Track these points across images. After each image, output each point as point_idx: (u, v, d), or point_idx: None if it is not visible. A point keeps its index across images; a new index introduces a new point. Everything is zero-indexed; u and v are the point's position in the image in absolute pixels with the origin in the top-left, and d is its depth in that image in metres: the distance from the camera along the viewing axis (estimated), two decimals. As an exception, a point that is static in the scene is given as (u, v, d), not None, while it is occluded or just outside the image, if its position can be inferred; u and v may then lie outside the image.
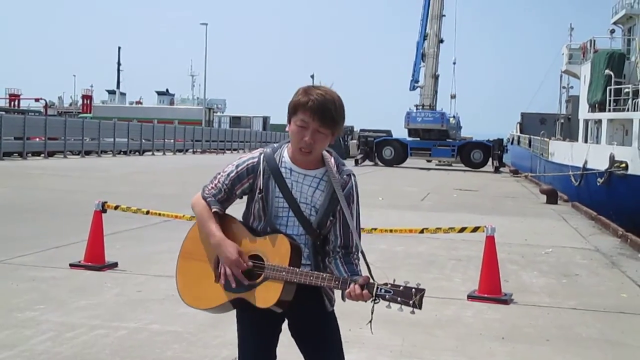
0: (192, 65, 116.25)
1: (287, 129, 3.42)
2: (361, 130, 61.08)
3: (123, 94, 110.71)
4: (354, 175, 3.51)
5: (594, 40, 34.30)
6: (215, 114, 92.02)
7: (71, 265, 9.10)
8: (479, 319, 7.51)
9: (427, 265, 9.98)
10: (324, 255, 3.44)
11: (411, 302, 3.14)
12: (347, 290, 3.20)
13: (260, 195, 3.41)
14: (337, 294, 3.46)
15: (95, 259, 9.12)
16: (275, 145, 3.53)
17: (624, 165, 24.00)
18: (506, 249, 11.15)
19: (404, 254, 10.92)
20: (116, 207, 9.78)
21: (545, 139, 39.48)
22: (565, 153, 31.99)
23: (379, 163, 47.14)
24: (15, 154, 36.19)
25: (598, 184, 24.97)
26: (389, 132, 56.67)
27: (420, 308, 3.15)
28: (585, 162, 27.11)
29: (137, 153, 49.26)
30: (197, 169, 33.30)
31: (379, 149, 47.70)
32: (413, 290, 3.15)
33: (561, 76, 50.29)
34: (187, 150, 56.98)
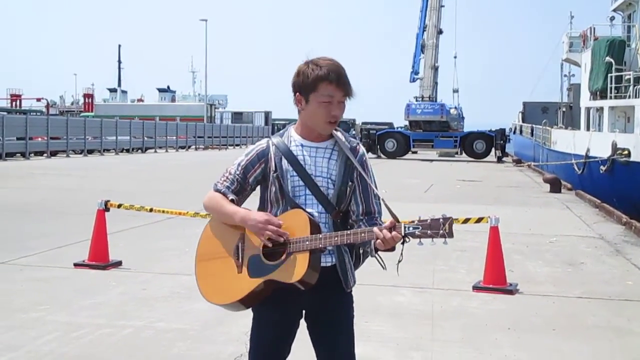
0: (193, 61, 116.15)
1: (300, 107, 3.36)
2: (363, 123, 61.15)
3: (124, 92, 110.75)
4: (360, 144, 3.50)
5: (594, 28, 34.19)
6: (216, 109, 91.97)
7: (75, 264, 9.10)
8: (485, 309, 7.50)
9: (431, 257, 9.95)
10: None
11: (441, 231, 3.09)
12: (377, 237, 3.14)
13: (275, 175, 3.36)
14: (358, 274, 3.44)
15: (99, 258, 9.12)
16: (280, 132, 3.50)
17: (626, 152, 23.94)
18: (510, 239, 11.12)
19: (407, 246, 10.88)
20: (119, 206, 9.77)
21: (548, 128, 39.41)
22: (568, 141, 31.93)
23: (382, 155, 47.10)
24: (17, 154, 36.27)
25: (601, 171, 24.92)
26: (390, 125, 56.78)
27: (452, 236, 3.09)
28: (588, 150, 27.05)
29: (139, 151, 49.33)
30: (199, 165, 33.33)
31: (381, 141, 47.65)
32: (441, 220, 3.10)
33: (562, 65, 50.17)
34: (189, 147, 57.01)
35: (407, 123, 50.24)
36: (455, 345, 6.31)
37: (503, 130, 48.23)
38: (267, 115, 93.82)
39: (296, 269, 3.21)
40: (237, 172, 3.43)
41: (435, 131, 47.56)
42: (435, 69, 50.58)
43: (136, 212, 10.44)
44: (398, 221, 3.16)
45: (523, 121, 55.03)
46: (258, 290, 3.29)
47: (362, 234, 3.20)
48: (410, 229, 3.12)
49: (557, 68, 54.33)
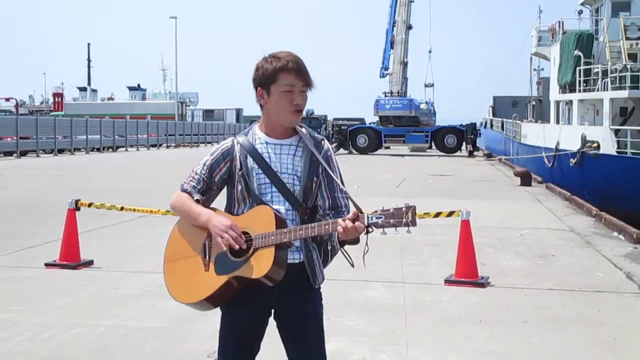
0: (163, 59, 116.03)
1: (263, 101, 3.37)
2: (334, 119, 61.15)
3: (94, 91, 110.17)
4: (326, 139, 3.51)
5: (563, 22, 34.39)
6: (187, 107, 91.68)
7: (46, 264, 9.02)
8: (457, 303, 7.54)
9: (403, 251, 10.00)
10: None
11: (404, 220, 3.08)
12: (340, 227, 3.13)
13: (240, 173, 3.37)
14: (330, 270, 3.46)
15: (71, 258, 9.06)
16: (244, 130, 3.51)
17: (595, 145, 24.15)
18: (482, 233, 11.20)
19: (379, 240, 10.91)
20: (90, 205, 9.71)
21: (518, 122, 39.65)
22: (538, 135, 32.16)
23: (353, 151, 47.17)
24: (-14, 155, 35.86)
25: (571, 164, 25.13)
26: (362, 120, 56.82)
27: (414, 225, 3.09)
28: (558, 144, 27.26)
29: (110, 149, 48.96)
30: (171, 163, 33.18)
31: (353, 137, 47.70)
32: (403, 209, 3.10)
33: (531, 59, 50.56)
34: (160, 145, 56.73)
35: (377, 119, 50.35)
36: (428, 338, 6.34)
37: (474, 124, 48.51)
38: (238, 112, 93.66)
39: (262, 265, 3.22)
40: (203, 172, 3.44)
41: (406, 126, 47.71)
42: (405, 64, 50.74)
43: (107, 210, 10.39)
44: (361, 212, 3.17)
45: (493, 115, 55.33)
46: (225, 287, 3.29)
47: (326, 226, 3.21)
48: (373, 218, 3.13)
49: (527, 62, 54.75)
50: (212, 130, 69.94)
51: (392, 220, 3.10)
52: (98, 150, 46.96)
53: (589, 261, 9.97)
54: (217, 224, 3.28)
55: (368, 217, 3.13)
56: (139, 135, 53.72)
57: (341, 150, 47.20)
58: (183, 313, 6.67)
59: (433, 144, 47.83)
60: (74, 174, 26.14)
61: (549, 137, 29.46)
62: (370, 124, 55.84)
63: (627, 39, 28.33)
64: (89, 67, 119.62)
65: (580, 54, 28.71)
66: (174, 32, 72.47)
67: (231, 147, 3.43)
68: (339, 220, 3.17)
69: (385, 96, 49.66)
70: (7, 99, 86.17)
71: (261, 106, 3.41)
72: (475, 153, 45.63)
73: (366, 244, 3.24)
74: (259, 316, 3.44)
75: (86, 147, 45.24)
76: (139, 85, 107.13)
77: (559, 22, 34.61)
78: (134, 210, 10.38)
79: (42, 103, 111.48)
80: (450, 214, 8.65)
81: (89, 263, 9.16)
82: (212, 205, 3.48)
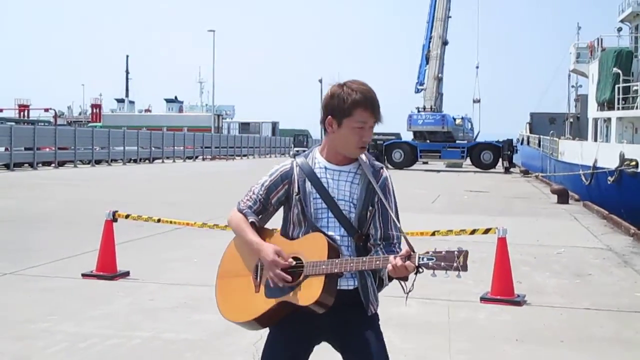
0: (201, 72, 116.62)
1: (331, 129, 3.34)
2: (370, 133, 60.94)
3: (132, 102, 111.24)
4: (385, 167, 3.49)
5: (602, 39, 34.20)
6: (224, 120, 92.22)
7: (83, 275, 9.11)
8: (492, 321, 7.49)
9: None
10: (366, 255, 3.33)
11: (455, 264, 3.07)
12: (390, 265, 3.12)
13: (297, 197, 3.37)
14: (381, 298, 3.44)
15: (107, 269, 9.14)
16: (305, 152, 3.51)
17: (634, 163, 23.91)
18: (518, 250, 11.11)
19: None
20: (127, 216, 9.79)
21: (555, 139, 39.37)
22: (575, 152, 31.90)
23: (389, 166, 47.05)
24: (25, 165, 36.36)
25: (609, 182, 24.88)
26: (398, 135, 56.58)
27: (465, 270, 3.08)
28: (595, 161, 27.01)
29: (147, 161, 49.41)
30: (207, 176, 33.38)
31: (389, 151, 47.61)
32: (455, 252, 3.09)
33: (569, 75, 50.28)
34: (196, 157, 57.09)
35: (411, 134, 50.26)
36: (464, 356, 6.30)
37: (510, 140, 48.22)
38: (274, 125, 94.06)
39: (311, 292, 3.22)
40: (261, 193, 3.46)
41: (441, 142, 47.52)
42: (439, 79, 50.59)
43: (144, 222, 10.45)
44: (413, 251, 3.15)
45: (530, 132, 55.01)
46: (273, 311, 3.30)
47: (377, 262, 3.20)
48: (425, 259, 3.11)
49: (565, 79, 54.41)
50: (248, 143, 70.32)
51: (443, 263, 3.10)
52: (135, 161, 47.38)
53: (627, 281, 9.84)
54: (264, 255, 3.30)
55: (419, 258, 3.12)
56: (175, 147, 54.13)
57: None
58: (218, 326, 6.71)
59: (469, 160, 47.60)
60: (112, 185, 26.40)
61: (586, 155, 29.21)
62: (403, 139, 55.71)
63: (667, 56, 28.07)
64: (127, 78, 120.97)
65: (619, 71, 28.49)
66: (212, 45, 72.66)
67: (290, 170, 3.43)
68: (391, 257, 3.15)
69: (419, 111, 49.53)
70: (46, 110, 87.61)
71: (325, 131, 3.40)
72: (512, 170, 45.31)
73: (412, 283, 3.21)
74: (306, 340, 3.42)
75: (123, 158, 45.71)
76: (176, 98, 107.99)
77: (598, 39, 34.42)
78: (171, 222, 10.45)
79: (80, 114, 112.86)
80: (487, 231, 8.59)
81: (126, 274, 9.23)
82: (268, 225, 3.52)
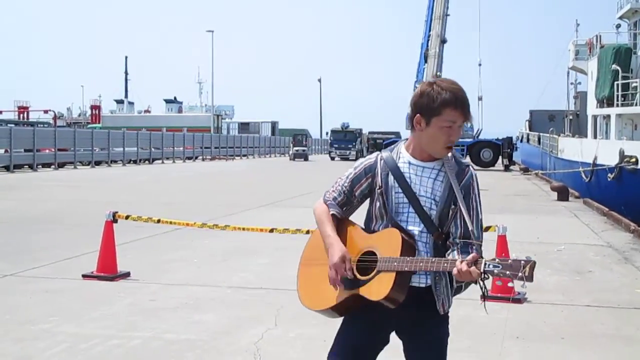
0: (200, 72, 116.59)
1: (419, 127, 3.36)
2: (370, 132, 61.10)
3: (131, 103, 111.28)
4: (472, 166, 3.52)
5: (600, 36, 34.20)
6: (223, 120, 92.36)
7: (84, 276, 9.11)
8: (493, 318, 7.47)
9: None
10: (445, 253, 3.35)
11: (519, 274, 3.06)
12: (456, 269, 3.14)
13: (379, 191, 3.40)
14: (455, 300, 3.46)
15: (108, 269, 9.14)
16: (390, 147, 3.55)
17: (634, 159, 23.93)
18: (518, 248, 11.10)
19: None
20: (127, 217, 9.79)
21: (555, 136, 39.39)
22: (575, 149, 31.91)
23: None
24: (25, 166, 36.38)
25: (609, 179, 24.90)
26: (398, 134, 56.69)
27: (531, 280, 3.07)
28: (595, 158, 27.02)
29: (147, 162, 49.41)
30: (206, 176, 33.38)
31: (388, 150, 47.60)
32: (522, 262, 3.08)
33: (568, 72, 50.19)
34: (196, 158, 57.11)
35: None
36: (464, 353, 6.29)
37: (510, 138, 48.22)
38: (274, 125, 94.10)
39: (382, 288, 3.26)
40: (345, 184, 3.52)
41: None
42: (438, 77, 50.61)
43: (144, 223, 10.45)
44: (481, 256, 3.18)
45: (530, 129, 55.01)
46: (346, 302, 3.37)
47: (445, 264, 3.21)
48: (490, 266, 3.12)
49: (564, 76, 54.32)
50: (248, 143, 70.30)
51: (508, 272, 3.09)
52: (135, 162, 47.38)
53: (628, 277, 9.85)
54: (331, 255, 3.36)
55: (485, 264, 3.13)
56: (175, 148, 54.14)
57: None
58: (219, 326, 6.73)
59: (469, 158, 47.62)
60: (111, 186, 26.41)
61: (586, 152, 29.22)
62: (403, 138, 55.75)
63: (666, 52, 28.09)
64: (126, 79, 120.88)
65: (618, 68, 28.50)
66: (211, 45, 72.73)
67: (374, 163, 3.47)
68: (458, 261, 3.16)
69: None
70: (46, 111, 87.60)
71: (413, 128, 3.41)
72: (512, 167, 45.33)
73: (483, 288, 3.25)
74: (379, 332, 3.46)
75: (123, 159, 45.71)
76: (175, 98, 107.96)
77: (597, 36, 34.43)
78: (170, 222, 10.46)
79: (79, 115, 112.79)
80: (487, 229, 8.58)
81: (126, 275, 9.23)
82: (351, 218, 3.57)
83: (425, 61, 50.97)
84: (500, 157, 45.91)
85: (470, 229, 3.33)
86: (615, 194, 23.83)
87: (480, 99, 53.56)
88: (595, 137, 32.03)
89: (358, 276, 3.33)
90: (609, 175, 24.91)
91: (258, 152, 72.17)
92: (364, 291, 3.30)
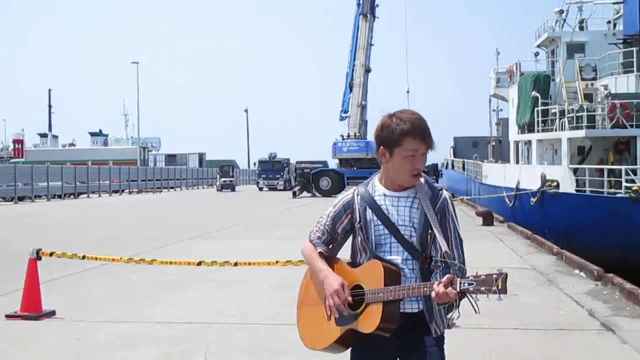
0: (125, 104, 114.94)
1: (384, 159, 3.49)
2: (297, 162, 61.21)
3: (55, 137, 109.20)
4: (446, 190, 3.60)
5: (520, 64, 35.01)
6: (150, 152, 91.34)
7: (7, 316, 8.88)
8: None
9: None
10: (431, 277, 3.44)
11: (493, 288, 3.13)
12: (434, 292, 3.23)
13: (359, 225, 3.51)
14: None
15: (32, 308, 8.92)
16: (365, 181, 3.66)
17: (555, 184, 24.50)
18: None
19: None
20: (51, 254, 9.59)
21: (478, 162, 40.06)
22: (498, 175, 32.53)
23: (317, 194, 47.23)
24: (-56, 204, 35.39)
25: (531, 203, 25.41)
26: (324, 163, 56.91)
27: (504, 292, 3.14)
28: (518, 183, 27.58)
29: (72, 196, 48.50)
30: (134, 210, 32.97)
31: (316, 179, 47.85)
32: (494, 276, 3.15)
33: (490, 100, 51.36)
34: (123, 191, 56.34)
35: (336, 161, 50.61)
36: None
37: (435, 165, 48.97)
38: (201, 156, 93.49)
39: (372, 320, 3.36)
40: (327, 223, 3.63)
41: (367, 168, 47.98)
42: (363, 107, 51.13)
43: (69, 260, 10.26)
44: (456, 277, 3.27)
45: (454, 156, 55.82)
46: (343, 338, 3.45)
47: (424, 288, 3.31)
48: (465, 284, 3.21)
49: (486, 103, 55.50)
50: (175, 175, 69.70)
51: (482, 288, 3.18)
52: (59, 197, 46.48)
53: (552, 299, 10.05)
54: (327, 286, 3.45)
55: (461, 283, 3.21)
56: (101, 182, 53.34)
57: (304, 193, 47.26)
58: (148, 362, 6.62)
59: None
60: (35, 222, 25.85)
61: (509, 177, 29.81)
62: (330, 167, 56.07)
63: (582, 79, 28.95)
64: (49, 113, 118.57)
65: (538, 94, 29.19)
66: (136, 77, 72.05)
67: (352, 199, 3.59)
68: (435, 284, 3.25)
69: (343, 139, 49.91)
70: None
71: (381, 162, 3.53)
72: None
73: (474, 305, 3.31)
74: (378, 357, 3.52)
75: (47, 194, 44.78)
76: (100, 131, 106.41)
77: (517, 63, 35.23)
78: (96, 258, 10.30)
79: (1, 150, 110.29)
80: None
81: (51, 313, 9.03)
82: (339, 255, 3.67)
83: (351, 90, 51.47)
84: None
85: (448, 251, 3.46)
86: (538, 218, 24.34)
87: None
88: (517, 162, 32.68)
89: (349, 311, 3.42)
90: (532, 199, 25.44)
91: (185, 183, 71.60)
92: (357, 325, 3.40)
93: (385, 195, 3.53)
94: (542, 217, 24.07)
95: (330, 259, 3.60)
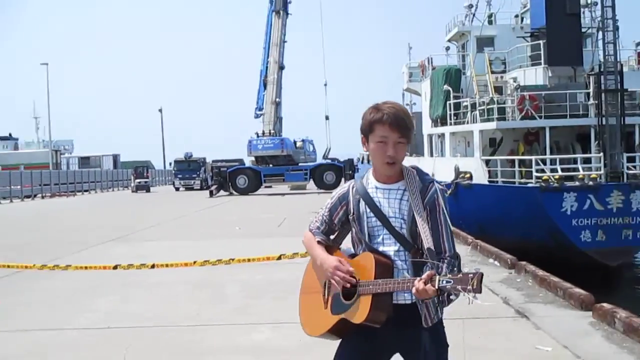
0: (35, 107, 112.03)
1: (364, 149, 3.65)
2: (213, 161, 60.84)
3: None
4: (436, 182, 3.66)
5: (431, 58, 35.57)
6: (62, 155, 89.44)
7: None
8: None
9: (292, 291, 10.00)
10: (423, 268, 3.46)
11: (468, 287, 3.16)
12: (414, 288, 3.28)
13: (352, 217, 3.62)
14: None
15: (-58, 320, 8.65)
16: (361, 174, 3.75)
17: (468, 175, 25.00)
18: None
19: (265, 282, 10.90)
20: (-39, 263, 9.32)
21: (393, 156, 40.48)
22: (413, 168, 32.93)
23: (234, 192, 47.04)
24: None
25: (446, 195, 25.86)
26: (241, 161, 56.74)
27: (480, 292, 3.16)
28: (433, 175, 27.96)
29: (-19, 203, 47.11)
30: (47, 215, 32.23)
31: (233, 178, 47.62)
32: (470, 275, 3.18)
33: (403, 94, 51.83)
34: (35, 196, 54.97)
35: (252, 159, 50.51)
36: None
37: (351, 160, 49.34)
38: (115, 158, 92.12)
39: (362, 311, 3.43)
40: (325, 214, 3.77)
41: (283, 165, 48.03)
42: (277, 104, 51.12)
43: (-20, 268, 9.98)
44: (438, 273, 3.29)
45: (370, 150, 56.33)
46: (337, 326, 3.54)
47: (408, 283, 3.35)
48: (444, 282, 3.24)
49: (399, 97, 56.11)
50: (89, 177, 68.35)
51: (459, 286, 3.20)
52: (-32, 204, 45.10)
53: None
54: (327, 267, 3.54)
55: (439, 281, 3.24)
56: (12, 187, 51.95)
57: (221, 192, 47.00)
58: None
59: (312, 181, 48.28)
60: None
61: (424, 170, 30.23)
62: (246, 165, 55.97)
63: (492, 72, 29.58)
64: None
65: (450, 88, 29.70)
66: (46, 78, 70.39)
67: (347, 192, 3.71)
68: (416, 281, 3.29)
69: (258, 137, 49.83)
70: None
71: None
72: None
73: (438, 303, 3.44)
74: (374, 352, 3.59)
75: (-45, 201, 43.39)
76: (10, 135, 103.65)
77: (428, 58, 35.78)
78: (8, 266, 10.06)
79: None
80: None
81: (-37, 324, 8.77)
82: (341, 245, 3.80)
83: (265, 88, 51.37)
84: (342, 179, 46.80)
85: (439, 243, 3.52)
86: (453, 209, 24.52)
87: (327, 118, 54.35)
88: (431, 155, 33.21)
89: (344, 301, 3.51)
90: (447, 191, 25.88)
91: (100, 186, 70.28)
92: (348, 315, 3.49)
93: (377, 187, 3.63)
94: (457, 209, 24.48)
95: (330, 248, 3.71)
